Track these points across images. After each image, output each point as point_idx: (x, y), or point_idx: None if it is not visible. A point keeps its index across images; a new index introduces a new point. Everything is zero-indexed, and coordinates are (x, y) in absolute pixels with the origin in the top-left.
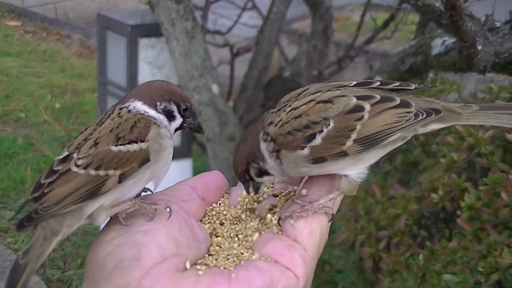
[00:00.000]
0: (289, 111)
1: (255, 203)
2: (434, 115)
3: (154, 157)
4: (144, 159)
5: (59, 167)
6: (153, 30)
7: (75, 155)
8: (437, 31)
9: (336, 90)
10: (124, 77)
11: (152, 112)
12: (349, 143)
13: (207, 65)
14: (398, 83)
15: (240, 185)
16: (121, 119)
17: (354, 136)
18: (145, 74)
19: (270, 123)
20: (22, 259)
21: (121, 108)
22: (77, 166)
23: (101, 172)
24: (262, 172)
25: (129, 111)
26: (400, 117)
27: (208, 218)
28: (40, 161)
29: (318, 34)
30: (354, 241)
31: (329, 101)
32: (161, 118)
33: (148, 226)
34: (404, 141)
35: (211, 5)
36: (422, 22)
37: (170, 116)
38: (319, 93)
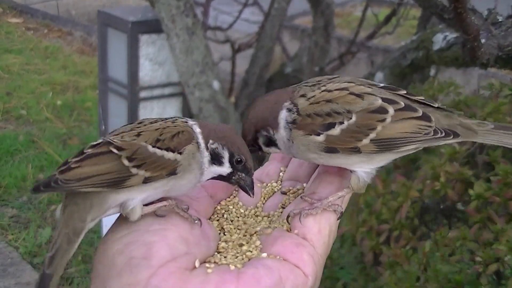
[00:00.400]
0: (323, 91)
1: (264, 201)
2: (452, 136)
3: (181, 173)
4: (173, 170)
5: (89, 150)
6: (153, 27)
7: (113, 138)
8: (439, 26)
9: (368, 87)
10: (125, 74)
11: (202, 142)
12: (366, 141)
13: (208, 62)
14: (423, 98)
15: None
16: (172, 124)
17: (372, 135)
18: (146, 70)
19: (303, 95)
20: (48, 268)
21: (182, 119)
22: (111, 145)
23: (133, 170)
24: (271, 142)
25: (185, 122)
26: (420, 129)
27: (217, 216)
28: (41, 158)
29: (319, 30)
30: (355, 235)
31: (360, 95)
32: (205, 154)
33: (159, 225)
34: (416, 150)
35: (212, 1)
36: (424, 17)
37: (216, 160)
38: (352, 84)
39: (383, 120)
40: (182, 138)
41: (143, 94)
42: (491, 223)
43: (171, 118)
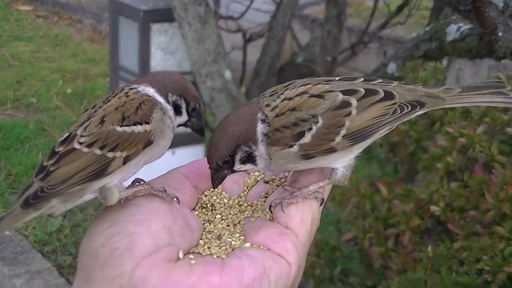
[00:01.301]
0: (283, 100)
1: (247, 190)
2: (418, 107)
3: (156, 140)
4: (148, 141)
5: (60, 148)
6: (165, 15)
7: (78, 132)
8: (452, 17)
9: (326, 84)
10: (136, 63)
11: (161, 100)
12: (338, 139)
13: (220, 51)
14: (381, 80)
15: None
16: (127, 98)
17: (343, 132)
18: (157, 59)
19: (267, 105)
20: None
21: (131, 89)
22: (80, 143)
23: (109, 154)
24: (250, 159)
25: (138, 91)
26: (387, 110)
27: (201, 206)
28: (51, 146)
29: (332, 19)
30: (363, 239)
31: (321, 96)
32: (169, 108)
33: (141, 216)
34: (390, 130)
35: None
36: (436, 8)
37: (177, 111)
38: (309, 85)
39: (349, 114)
40: (145, 109)
41: None
42: (476, 238)
43: (120, 91)
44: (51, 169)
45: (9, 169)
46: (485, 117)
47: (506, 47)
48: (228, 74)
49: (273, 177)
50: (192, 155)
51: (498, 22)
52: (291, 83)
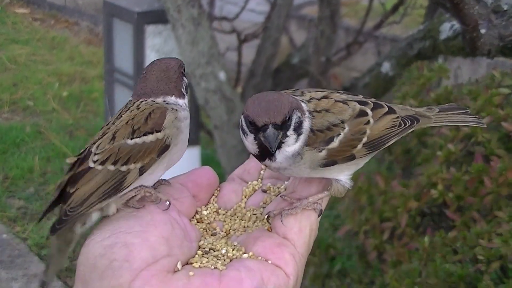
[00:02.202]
0: (310, 98)
1: (245, 199)
2: (415, 123)
3: (173, 142)
4: (162, 148)
5: (80, 169)
6: (160, 17)
7: (92, 150)
8: (446, 15)
9: (341, 94)
10: (131, 65)
11: (180, 101)
12: (360, 146)
13: (214, 52)
14: (361, 96)
15: (230, 182)
16: (138, 110)
17: (364, 139)
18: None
19: (298, 95)
20: (44, 276)
21: (145, 102)
22: (94, 162)
23: (123, 168)
24: (299, 128)
25: (146, 102)
26: (394, 122)
27: (199, 216)
28: (48, 149)
29: (325, 19)
30: (358, 232)
31: (345, 102)
32: (183, 101)
33: (140, 227)
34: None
35: None
36: (431, 6)
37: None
38: (326, 92)
39: (368, 122)
40: (155, 117)
41: None
42: (473, 225)
43: (132, 105)
44: (70, 191)
45: (6, 173)
46: (481, 112)
47: (490, 44)
48: (222, 76)
49: (271, 186)
50: (189, 156)
51: (481, 19)
52: (297, 90)
